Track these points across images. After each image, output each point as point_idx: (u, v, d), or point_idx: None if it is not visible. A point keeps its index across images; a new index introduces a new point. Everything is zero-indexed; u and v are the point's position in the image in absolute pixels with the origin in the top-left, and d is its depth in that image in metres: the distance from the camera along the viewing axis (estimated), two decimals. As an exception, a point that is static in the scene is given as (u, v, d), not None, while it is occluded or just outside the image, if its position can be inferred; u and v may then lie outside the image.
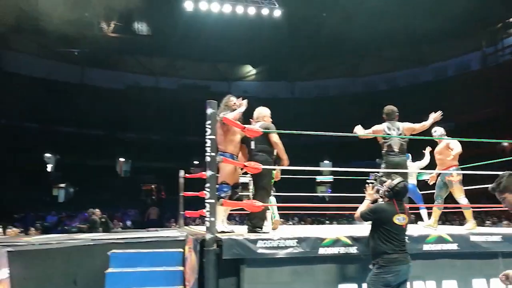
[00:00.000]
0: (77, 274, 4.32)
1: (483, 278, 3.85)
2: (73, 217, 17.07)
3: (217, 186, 3.93)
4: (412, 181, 6.26)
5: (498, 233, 4.05)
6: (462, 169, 5.95)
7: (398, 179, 3.57)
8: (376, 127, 5.17)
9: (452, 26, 23.17)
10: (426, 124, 5.30)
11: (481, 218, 12.69)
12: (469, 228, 5.03)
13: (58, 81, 24.79)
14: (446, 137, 5.82)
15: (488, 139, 5.30)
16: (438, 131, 5.88)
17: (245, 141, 4.70)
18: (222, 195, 4.29)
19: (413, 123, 5.24)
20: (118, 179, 24.13)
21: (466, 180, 6.02)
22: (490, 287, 3.84)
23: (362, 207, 3.65)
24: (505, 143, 17.01)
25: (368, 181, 3.77)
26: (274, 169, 4.70)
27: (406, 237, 3.60)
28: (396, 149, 5.00)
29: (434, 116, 5.38)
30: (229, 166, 4.42)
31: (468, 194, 5.40)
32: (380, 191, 3.60)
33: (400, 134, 5.01)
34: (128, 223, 17.46)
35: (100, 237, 5.23)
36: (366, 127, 5.28)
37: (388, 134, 4.99)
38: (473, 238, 3.90)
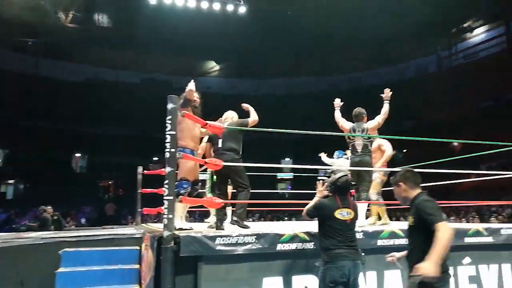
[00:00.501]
0: (25, 274, 4.11)
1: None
2: (23, 215, 16.34)
3: (176, 182, 3.82)
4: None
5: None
6: (415, 167, 6.19)
7: (340, 174, 3.53)
8: (344, 124, 5.48)
9: (413, 30, 24.10)
10: (384, 110, 5.59)
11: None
12: (370, 222, 5.40)
13: (12, 71, 23.58)
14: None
15: (442, 139, 5.56)
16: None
17: (212, 139, 4.68)
18: (182, 191, 4.26)
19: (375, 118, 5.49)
20: (73, 175, 23.31)
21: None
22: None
23: (310, 204, 3.62)
24: (455, 143, 17.90)
25: (318, 178, 3.87)
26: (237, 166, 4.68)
27: (360, 233, 3.59)
28: (359, 149, 5.27)
29: (385, 96, 5.70)
30: (190, 162, 4.41)
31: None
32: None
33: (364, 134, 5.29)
34: (83, 220, 16.92)
35: (51, 235, 5.01)
36: (329, 126, 5.48)
37: (353, 135, 5.29)
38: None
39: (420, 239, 2.67)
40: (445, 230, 2.51)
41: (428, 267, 2.38)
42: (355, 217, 3.47)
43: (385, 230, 4.16)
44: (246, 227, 4.31)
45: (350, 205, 3.47)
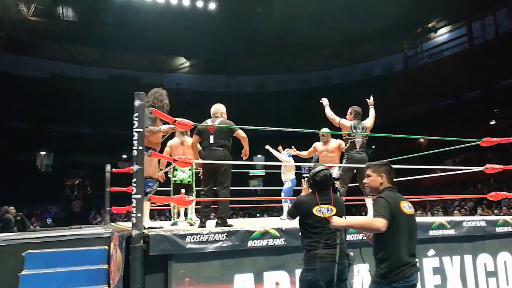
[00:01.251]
0: (-14, 278, 3.95)
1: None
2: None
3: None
4: (292, 176, 6.80)
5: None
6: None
7: (318, 168, 3.25)
8: (344, 122, 5.51)
9: (380, 29, 24.64)
10: (373, 114, 5.83)
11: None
12: None
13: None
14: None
15: (409, 136, 5.74)
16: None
17: (203, 136, 4.60)
18: (148, 190, 4.19)
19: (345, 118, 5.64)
20: (39, 174, 22.52)
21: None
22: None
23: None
24: (421, 139, 18.47)
25: (304, 175, 3.74)
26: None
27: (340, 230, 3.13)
28: (358, 146, 5.42)
29: (370, 102, 5.94)
30: (154, 161, 4.39)
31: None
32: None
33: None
34: (49, 221, 16.39)
35: (14, 236, 4.82)
36: (300, 122, 5.52)
37: (354, 132, 5.40)
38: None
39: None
40: (372, 222, 2.71)
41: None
42: (339, 214, 3.14)
43: None
44: (230, 226, 4.27)
45: (332, 201, 3.17)
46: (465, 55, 24.15)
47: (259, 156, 25.53)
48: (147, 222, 4.19)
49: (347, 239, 3.44)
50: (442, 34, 27.01)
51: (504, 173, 2.29)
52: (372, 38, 26.64)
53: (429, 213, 12.79)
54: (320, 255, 3.02)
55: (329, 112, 5.55)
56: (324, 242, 3.05)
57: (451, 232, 4.49)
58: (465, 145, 6.32)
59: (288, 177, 6.81)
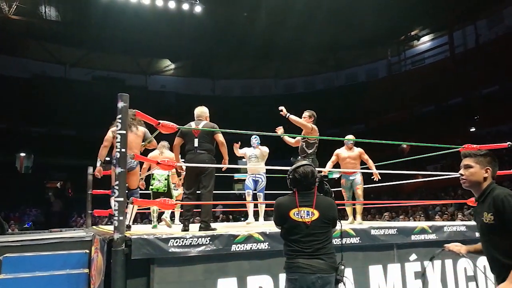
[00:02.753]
0: (-39, 282, 3.83)
1: (380, 265, 4.22)
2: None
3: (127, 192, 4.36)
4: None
5: (394, 226, 4.45)
6: (368, 168, 6.50)
7: (298, 163, 2.86)
8: (315, 127, 5.38)
9: (364, 36, 24.99)
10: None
11: (381, 213, 13.90)
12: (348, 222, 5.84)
13: None
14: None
15: (391, 141, 5.84)
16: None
17: (186, 138, 4.57)
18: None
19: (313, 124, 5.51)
20: (18, 176, 21.99)
21: (371, 179, 6.54)
22: (386, 272, 4.22)
23: None
24: (404, 145, 18.74)
25: None
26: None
27: (325, 237, 2.70)
28: None
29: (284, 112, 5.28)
30: (137, 173, 4.84)
31: (372, 191, 5.86)
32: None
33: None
34: (28, 224, 16.01)
35: (-9, 240, 4.70)
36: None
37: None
38: (373, 232, 4.25)
39: (504, 243, 2.17)
40: None
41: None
42: (322, 218, 2.70)
43: (336, 230, 4.26)
44: (214, 229, 4.24)
45: (314, 204, 2.72)
46: (447, 63, 24.67)
47: (244, 159, 25.49)
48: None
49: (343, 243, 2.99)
50: (425, 42, 27.56)
51: None
52: (356, 45, 27.01)
53: (411, 218, 12.97)
54: (298, 265, 2.63)
55: (297, 118, 5.21)
56: (302, 251, 2.64)
57: (432, 236, 4.56)
58: (446, 151, 6.44)
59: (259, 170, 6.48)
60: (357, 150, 6.17)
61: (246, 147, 6.66)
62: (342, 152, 6.21)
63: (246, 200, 6.45)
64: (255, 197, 6.46)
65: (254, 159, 6.46)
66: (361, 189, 5.96)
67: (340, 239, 2.89)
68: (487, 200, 2.29)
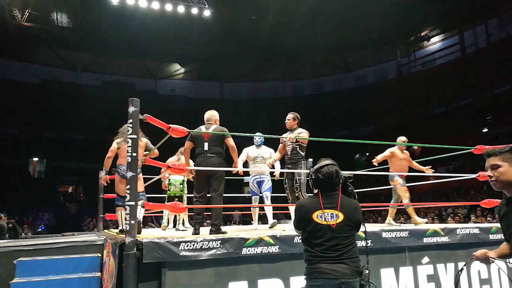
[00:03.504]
0: (-23, 286, 3.88)
1: (391, 268, 4.18)
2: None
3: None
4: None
5: (406, 229, 4.41)
6: (378, 170, 6.48)
7: (322, 163, 2.72)
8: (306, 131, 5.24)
9: (373, 37, 24.88)
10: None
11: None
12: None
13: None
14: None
15: (402, 143, 5.83)
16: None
17: (196, 142, 4.60)
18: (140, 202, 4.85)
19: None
20: (31, 180, 22.29)
21: (382, 181, 6.51)
22: (397, 275, 4.18)
23: None
24: (415, 146, 18.54)
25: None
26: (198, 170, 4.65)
27: (349, 241, 2.56)
28: None
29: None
30: (140, 177, 5.13)
31: (382, 193, 5.82)
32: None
33: None
34: (42, 228, 16.21)
35: (5, 244, 4.76)
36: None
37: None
38: (384, 235, 4.21)
39: None
40: None
41: None
42: (347, 221, 2.58)
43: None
44: (224, 233, 4.25)
45: (338, 206, 2.61)
46: (457, 64, 24.42)
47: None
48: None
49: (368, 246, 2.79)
50: (435, 42, 27.32)
51: None
52: (365, 46, 26.89)
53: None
54: (320, 270, 2.49)
55: (301, 137, 5.01)
56: (326, 255, 2.51)
57: (445, 239, 4.50)
58: (458, 152, 6.36)
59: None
60: (407, 154, 6.11)
61: (246, 148, 6.09)
62: (398, 153, 6.09)
63: (253, 206, 6.05)
64: (261, 201, 6.07)
65: (260, 159, 6.01)
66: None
67: (365, 242, 2.75)
68: None
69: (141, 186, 5.18)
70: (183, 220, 7.36)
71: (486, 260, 2.39)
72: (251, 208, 6.18)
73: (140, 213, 4.99)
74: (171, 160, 6.40)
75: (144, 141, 5.07)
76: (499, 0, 21.67)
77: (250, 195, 6.15)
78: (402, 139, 6.11)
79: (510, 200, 2.25)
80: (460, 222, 10.86)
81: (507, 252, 2.38)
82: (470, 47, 24.49)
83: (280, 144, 5.33)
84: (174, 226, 7.09)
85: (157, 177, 6.08)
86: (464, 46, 24.64)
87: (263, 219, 6.78)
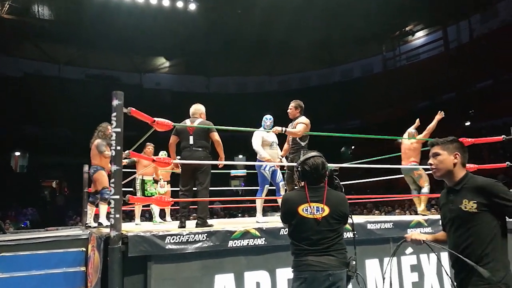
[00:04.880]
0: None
1: (376, 258, 4.26)
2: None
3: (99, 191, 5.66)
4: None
5: (390, 220, 4.47)
6: (365, 163, 6.57)
7: (308, 154, 2.69)
8: (307, 121, 5.00)
9: (359, 32, 25.01)
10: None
11: (377, 207, 13.96)
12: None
13: None
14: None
15: (386, 136, 5.91)
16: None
17: (182, 136, 4.56)
18: (106, 196, 5.48)
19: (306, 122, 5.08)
20: (13, 175, 21.89)
21: (367, 174, 6.58)
22: (382, 265, 4.25)
23: None
24: (399, 139, 18.74)
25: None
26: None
27: (336, 234, 2.55)
28: None
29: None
30: (104, 175, 5.64)
31: (368, 186, 5.88)
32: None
33: None
34: (25, 223, 15.96)
35: (-14, 239, 4.68)
36: (279, 121, 5.49)
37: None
38: (369, 226, 4.27)
39: (485, 229, 2.13)
40: None
41: None
42: (332, 214, 2.55)
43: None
44: (211, 226, 4.24)
45: (324, 199, 2.57)
46: (441, 58, 24.74)
47: (240, 156, 25.51)
48: (104, 221, 5.53)
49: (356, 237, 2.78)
50: (419, 37, 27.62)
51: (478, 173, 2.28)
52: (351, 41, 27.02)
53: (407, 211, 13.04)
54: (308, 262, 2.50)
55: (291, 129, 4.88)
56: (311, 248, 2.51)
57: (428, 230, 4.58)
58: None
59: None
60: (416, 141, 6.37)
61: (258, 132, 5.36)
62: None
63: (260, 196, 5.43)
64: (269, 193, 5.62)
65: (275, 144, 5.49)
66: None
67: (352, 233, 2.74)
68: (466, 188, 2.22)
69: (106, 181, 5.57)
70: (165, 213, 7.40)
71: (419, 243, 2.50)
72: (256, 200, 5.66)
73: (104, 209, 5.59)
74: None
75: (97, 142, 5.67)
76: (482, -4, 22.02)
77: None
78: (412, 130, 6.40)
79: (449, 189, 2.33)
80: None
81: (442, 239, 2.49)
82: (454, 42, 24.84)
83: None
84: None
85: (131, 177, 6.09)
86: (447, 41, 24.96)
87: (249, 212, 6.79)
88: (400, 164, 6.46)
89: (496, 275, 2.07)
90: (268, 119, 5.44)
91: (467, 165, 2.38)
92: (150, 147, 6.55)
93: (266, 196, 5.46)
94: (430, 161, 2.38)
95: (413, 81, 24.66)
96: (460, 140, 2.38)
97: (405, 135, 6.42)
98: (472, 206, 2.16)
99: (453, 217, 2.29)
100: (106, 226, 5.19)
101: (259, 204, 5.57)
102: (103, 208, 5.61)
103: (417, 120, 6.52)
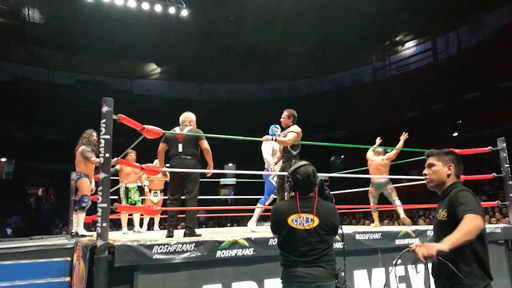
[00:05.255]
0: None
1: (365, 269, 4.26)
2: None
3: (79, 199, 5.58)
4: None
5: (379, 231, 4.49)
6: (354, 173, 6.66)
7: (299, 164, 2.67)
8: (299, 130, 4.96)
9: (350, 41, 25.31)
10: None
11: (366, 217, 14.02)
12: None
13: None
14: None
15: (375, 146, 5.98)
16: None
17: (171, 144, 4.53)
18: (84, 204, 5.48)
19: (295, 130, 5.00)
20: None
21: (356, 183, 6.63)
22: (370, 276, 4.27)
23: None
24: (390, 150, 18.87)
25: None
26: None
27: (325, 245, 2.53)
28: None
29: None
30: (87, 183, 5.59)
31: (357, 196, 5.91)
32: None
33: None
34: (9, 231, 15.67)
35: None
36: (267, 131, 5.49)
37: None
38: (357, 237, 4.28)
39: None
40: (471, 221, 2.01)
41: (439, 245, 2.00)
42: (323, 224, 2.53)
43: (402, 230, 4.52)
44: (199, 235, 4.20)
45: (314, 209, 2.55)
46: (430, 69, 25.10)
47: (230, 164, 25.46)
48: (81, 230, 5.42)
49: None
50: (409, 47, 28.02)
51: (464, 184, 2.29)
52: (341, 50, 27.30)
53: (396, 222, 13.10)
54: (297, 274, 2.47)
55: (282, 138, 4.84)
56: (302, 260, 2.49)
57: (416, 240, 4.60)
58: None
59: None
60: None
61: (268, 142, 5.19)
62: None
63: (262, 204, 5.47)
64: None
65: None
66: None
67: (341, 244, 2.76)
68: (447, 198, 2.26)
69: (87, 190, 5.57)
70: (153, 222, 7.35)
71: (430, 259, 2.16)
72: (256, 208, 5.58)
73: (81, 217, 5.56)
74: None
75: (81, 149, 5.63)
76: (470, 8, 22.43)
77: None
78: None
79: (438, 200, 2.37)
80: (430, 224, 11.15)
81: None
82: (442, 53, 25.24)
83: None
84: (149, 229, 7.05)
85: (117, 186, 6.05)
86: (436, 51, 25.35)
87: (239, 221, 6.76)
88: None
89: (478, 284, 2.09)
90: (276, 127, 5.66)
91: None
92: (132, 155, 6.53)
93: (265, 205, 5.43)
94: (425, 171, 2.40)
95: (403, 91, 24.94)
96: (456, 153, 2.40)
97: (370, 153, 6.85)
98: (444, 215, 2.21)
99: (434, 226, 2.37)
100: (82, 236, 5.18)
101: (258, 211, 5.54)
102: (81, 217, 5.56)
103: (378, 139, 6.91)
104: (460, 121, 21.31)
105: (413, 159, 6.34)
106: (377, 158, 6.70)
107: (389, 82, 27.43)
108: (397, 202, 6.54)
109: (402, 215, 6.56)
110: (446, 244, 1.97)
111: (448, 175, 2.32)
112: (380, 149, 6.81)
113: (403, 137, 6.67)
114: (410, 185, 6.54)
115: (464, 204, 2.09)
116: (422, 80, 24.19)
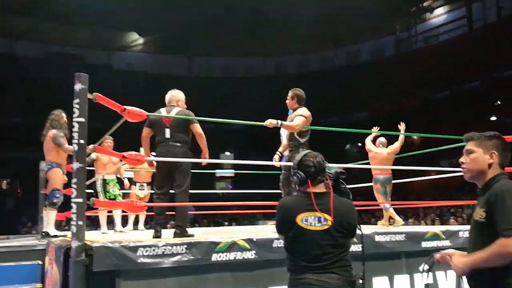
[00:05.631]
0: None
1: (386, 276, 4.27)
2: None
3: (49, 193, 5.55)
4: None
5: (402, 232, 4.50)
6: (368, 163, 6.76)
7: (303, 152, 2.66)
8: (307, 113, 4.93)
9: (368, 7, 25.05)
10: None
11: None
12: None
13: None
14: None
15: (398, 132, 5.95)
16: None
17: (156, 128, 4.50)
18: (55, 200, 5.44)
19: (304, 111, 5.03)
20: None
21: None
22: (392, 284, 4.27)
23: None
24: (414, 136, 18.90)
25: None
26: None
27: (340, 249, 2.48)
28: None
29: None
30: (59, 174, 5.55)
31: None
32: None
33: None
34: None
35: None
36: (275, 112, 5.44)
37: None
38: (377, 238, 4.29)
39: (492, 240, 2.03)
40: (506, 245, 1.96)
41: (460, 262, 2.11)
42: (339, 225, 2.48)
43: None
44: (191, 236, 4.22)
45: (327, 207, 2.49)
46: (464, 40, 24.93)
47: (227, 153, 25.50)
48: (52, 230, 5.44)
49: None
50: (439, 15, 27.79)
51: (511, 176, 2.25)
52: (359, 18, 27.04)
53: (422, 221, 13.17)
54: (306, 281, 2.44)
55: (288, 123, 4.84)
56: (312, 265, 2.45)
57: (446, 243, 4.62)
58: (463, 143, 6.51)
59: None
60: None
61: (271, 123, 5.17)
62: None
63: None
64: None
65: None
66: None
67: (360, 247, 2.73)
68: (488, 193, 2.16)
69: (59, 182, 5.54)
70: (139, 221, 7.40)
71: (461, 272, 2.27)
72: None
73: (52, 215, 5.56)
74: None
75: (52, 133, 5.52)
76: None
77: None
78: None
79: (478, 195, 2.29)
80: (463, 223, 11.20)
81: None
82: (479, 22, 25.03)
83: None
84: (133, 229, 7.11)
85: (93, 179, 6.06)
86: (472, 20, 25.14)
87: (238, 220, 6.81)
88: (414, 165, 6.52)
89: None
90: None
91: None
92: (109, 141, 6.49)
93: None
94: (462, 159, 2.32)
95: (431, 67, 24.81)
96: (502, 137, 2.29)
97: (370, 144, 7.12)
98: (482, 215, 2.14)
99: (470, 227, 2.30)
100: (54, 236, 5.17)
101: None
102: (51, 215, 5.55)
103: (374, 128, 6.90)
104: (499, 102, 21.23)
105: (443, 147, 6.35)
106: (382, 150, 6.96)
107: (415, 55, 27.28)
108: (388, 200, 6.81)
109: (397, 217, 6.77)
110: (468, 263, 2.08)
111: (490, 165, 2.22)
112: (383, 140, 7.03)
113: (402, 127, 6.95)
114: (438, 178, 6.54)
115: (505, 218, 2.00)
116: (454, 53, 24.04)
